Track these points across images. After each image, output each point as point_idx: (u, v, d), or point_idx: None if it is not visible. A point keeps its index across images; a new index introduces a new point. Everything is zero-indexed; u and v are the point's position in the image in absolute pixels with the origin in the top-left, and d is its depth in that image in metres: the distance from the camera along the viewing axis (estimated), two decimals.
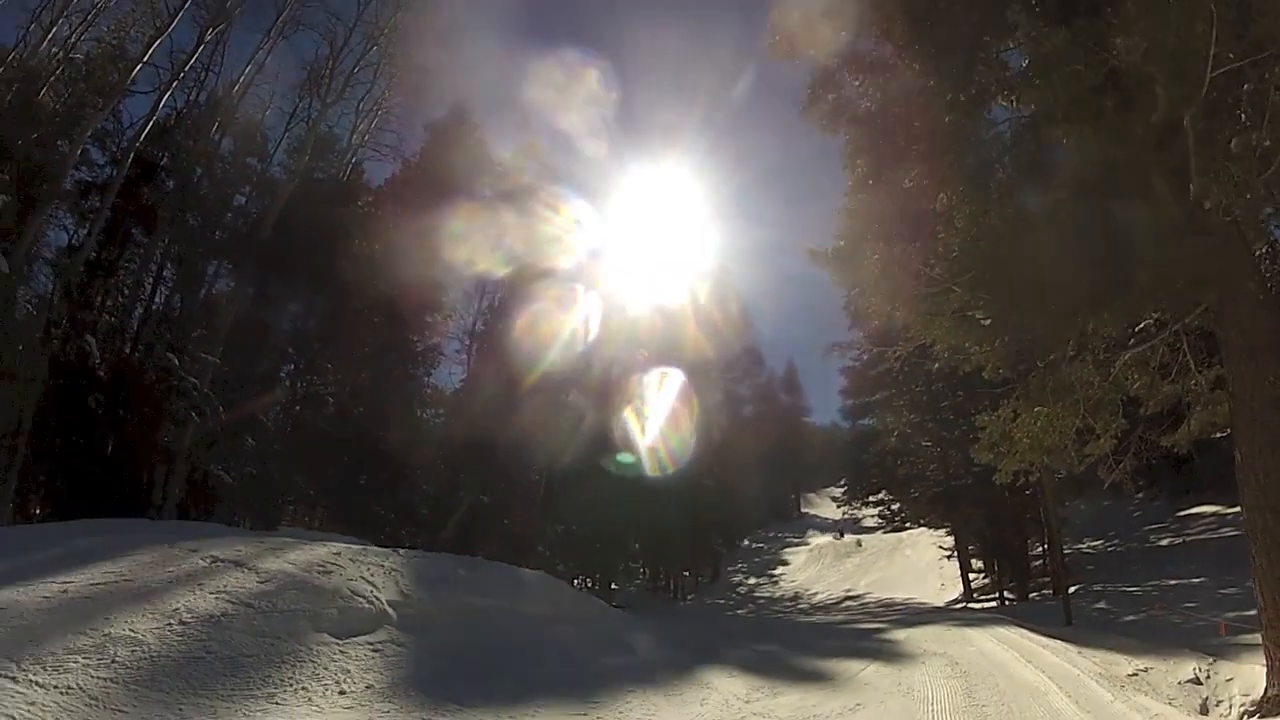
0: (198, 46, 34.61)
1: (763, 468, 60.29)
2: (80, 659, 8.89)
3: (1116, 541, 41.94)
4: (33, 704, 7.83)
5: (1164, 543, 38.71)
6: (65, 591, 10.91)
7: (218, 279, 37.44)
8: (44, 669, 8.55)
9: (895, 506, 52.63)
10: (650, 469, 39.54)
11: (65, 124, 32.56)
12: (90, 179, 32.71)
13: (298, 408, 35.57)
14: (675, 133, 43.47)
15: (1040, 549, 38.06)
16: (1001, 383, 16.15)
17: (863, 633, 24.63)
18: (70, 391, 28.73)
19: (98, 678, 8.67)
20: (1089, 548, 42.07)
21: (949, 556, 43.50)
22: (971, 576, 41.31)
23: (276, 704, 9.17)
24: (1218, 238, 11.93)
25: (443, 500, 36.12)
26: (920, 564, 48.58)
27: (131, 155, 32.20)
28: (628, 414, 40.68)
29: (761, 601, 48.19)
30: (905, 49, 13.84)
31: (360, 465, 34.76)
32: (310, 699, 9.48)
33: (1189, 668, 14.21)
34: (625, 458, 39.74)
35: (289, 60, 39.61)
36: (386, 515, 34.70)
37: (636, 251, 48.08)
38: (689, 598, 49.87)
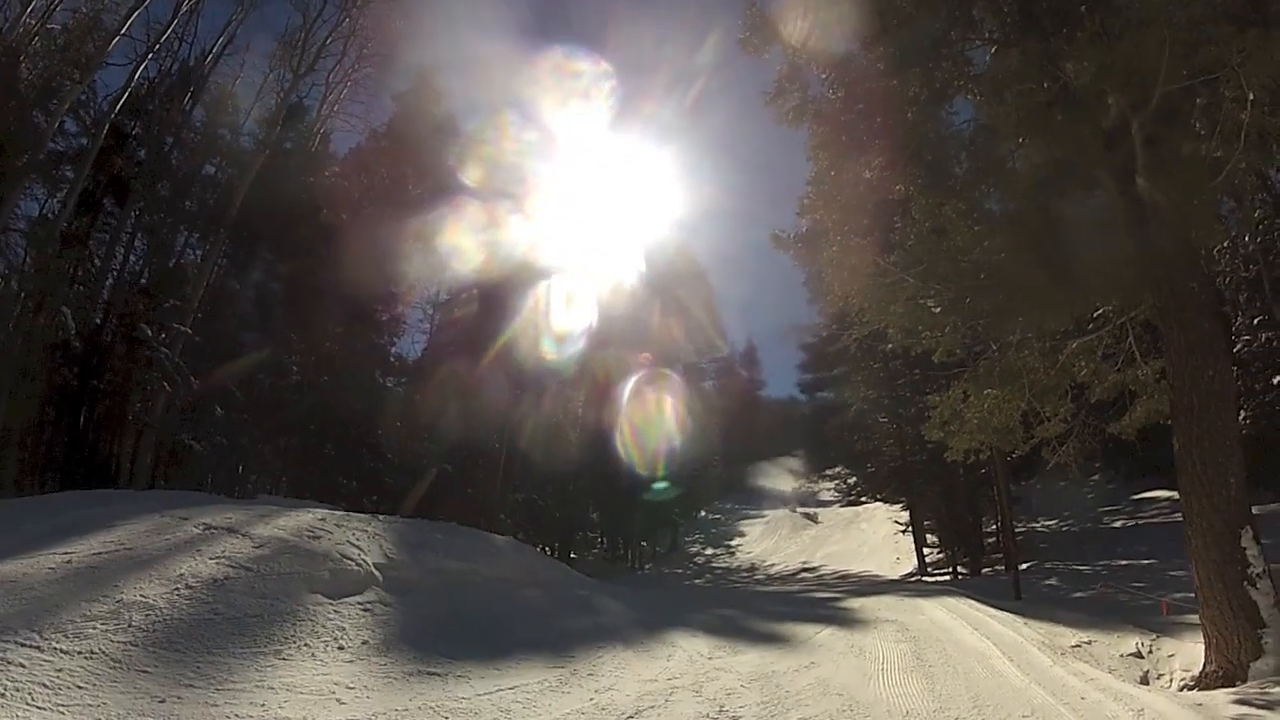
0: (174, 18, 35.04)
1: (721, 440, 61.04)
2: (99, 625, 9.57)
3: (1071, 522, 43.24)
4: (60, 670, 8.46)
5: (1117, 524, 40.00)
6: (69, 562, 11.64)
7: (187, 249, 37.91)
8: (65, 636, 9.17)
9: (852, 481, 53.50)
10: (612, 440, 39.88)
11: (41, 96, 32.95)
12: (63, 149, 33.47)
13: (262, 376, 35.72)
14: (639, 106, 43.83)
15: (994, 526, 38.79)
16: (953, 364, 17.15)
17: (818, 601, 25.29)
18: (44, 364, 29.74)
19: (118, 642, 9.37)
20: (1044, 527, 43.41)
21: (904, 531, 44.14)
22: (926, 551, 42.11)
23: (283, 660, 9.98)
24: (1163, 236, 12.83)
25: (407, 468, 36.57)
26: (876, 538, 49.26)
27: (106, 126, 32.83)
28: (589, 385, 41.53)
29: (719, 572, 48.94)
30: (870, 46, 14.69)
31: (325, 434, 35.36)
32: (314, 655, 10.31)
33: (1132, 642, 15.19)
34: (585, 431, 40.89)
35: (260, 30, 40.25)
36: (350, 484, 35.35)
37: (600, 226, 48.61)
38: (647, 567, 50.50)
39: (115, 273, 37.14)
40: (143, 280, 36.49)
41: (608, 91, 41.26)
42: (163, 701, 8.30)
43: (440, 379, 36.73)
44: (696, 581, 41.51)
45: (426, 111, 40.86)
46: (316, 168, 38.58)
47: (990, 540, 39.77)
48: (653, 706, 9.84)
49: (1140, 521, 36.00)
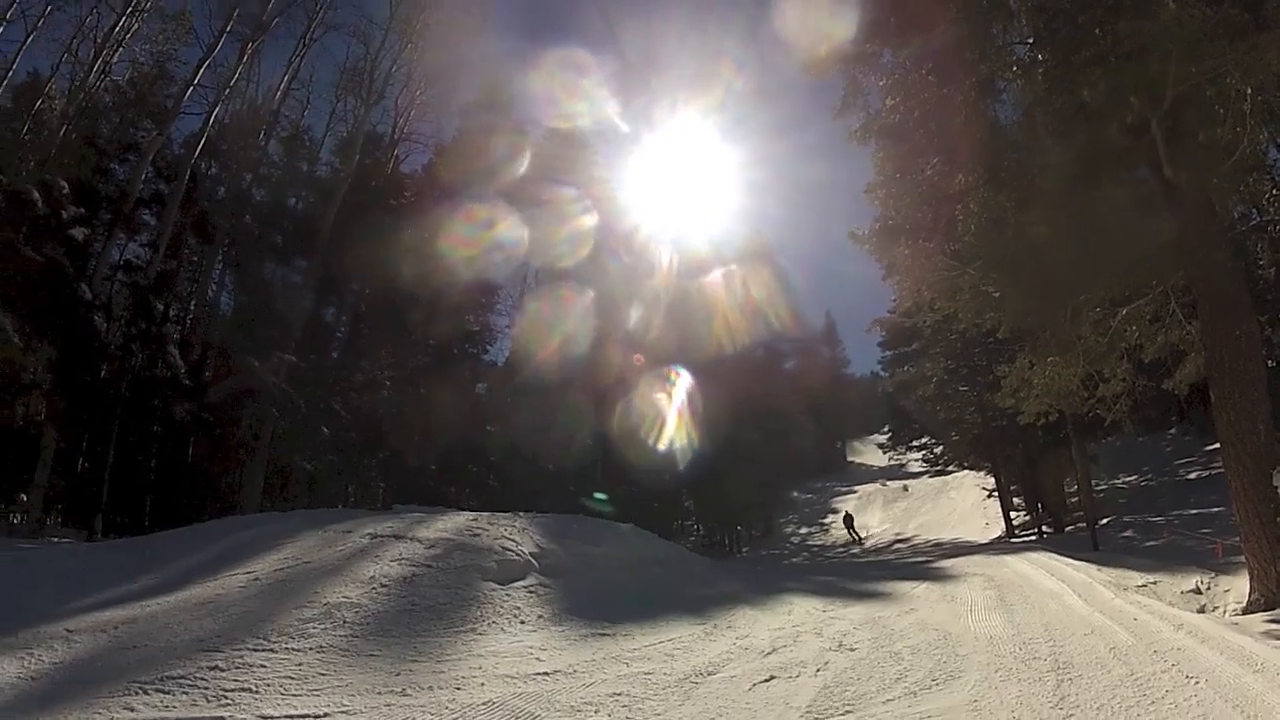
0: (240, 61, 37.10)
1: (808, 420, 62.08)
2: (316, 625, 11.71)
3: (1150, 476, 44.15)
4: (299, 664, 10.37)
5: (1192, 475, 41.01)
6: (256, 579, 13.95)
7: (280, 280, 40.16)
8: (290, 638, 11.19)
9: (938, 450, 55.18)
10: (697, 429, 41.41)
11: (121, 149, 35.34)
12: (145, 195, 35.17)
13: (358, 393, 37.81)
14: (705, 99, 45.44)
15: (1075, 485, 39.50)
16: (1018, 337, 19.57)
17: (913, 564, 27.71)
18: (153, 403, 31.78)
19: (340, 635, 11.52)
20: (1123, 483, 44.25)
21: (990, 496, 45.84)
22: (1013, 514, 43.49)
23: (479, 635, 12.33)
24: (1191, 214, 14.94)
25: (505, 469, 38.63)
26: (965, 505, 50.80)
27: (186, 171, 35.05)
28: (672, 376, 43.10)
29: (814, 549, 49.88)
30: (920, 59, 16.98)
31: (424, 443, 36.98)
32: (502, 629, 12.68)
33: (1193, 580, 17.19)
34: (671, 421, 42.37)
35: (323, 62, 42.37)
36: (451, 489, 37.23)
37: (673, 216, 49.82)
38: (744, 550, 51.33)
39: (209, 308, 39.57)
40: (240, 313, 38.71)
41: (671, 87, 42.78)
42: (398, 675, 10.43)
43: (529, 381, 38.65)
44: (794, 560, 42.27)
45: (493, 122, 42.83)
46: (395, 190, 40.58)
47: (1072, 499, 40.72)
48: (786, 645, 12.19)
49: (1213, 471, 37.02)
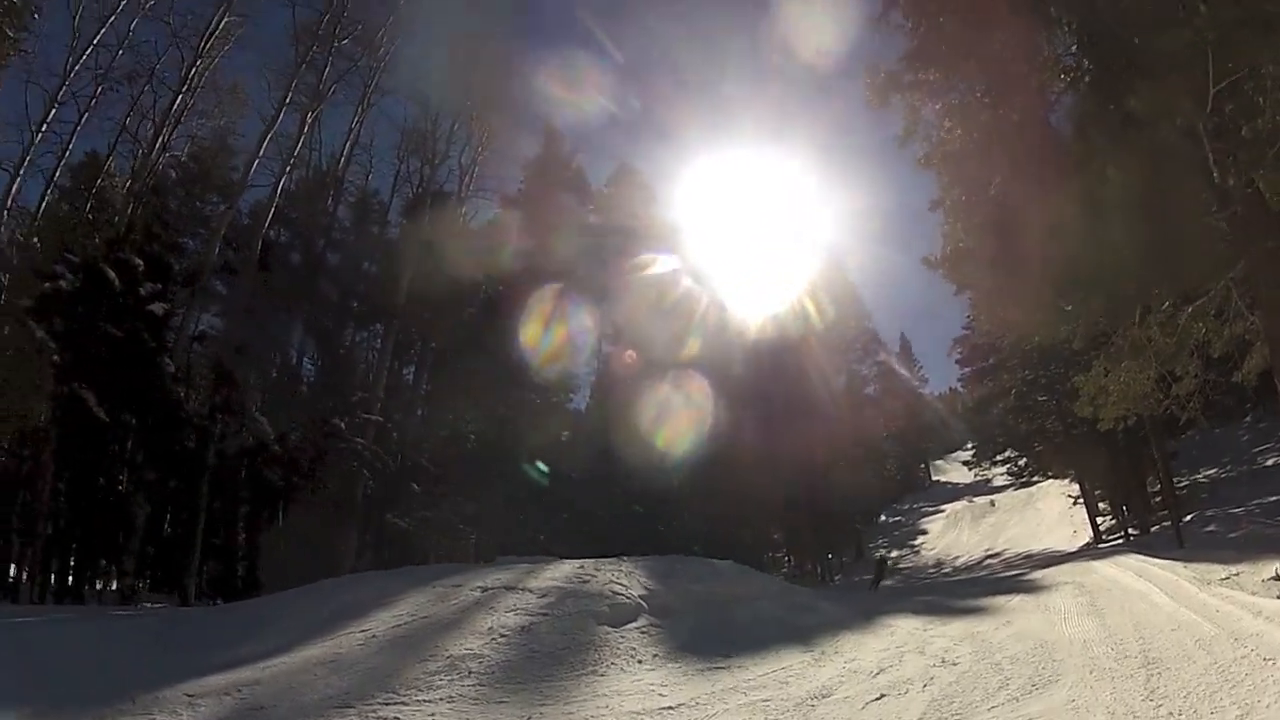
0: (301, 131, 38.58)
1: (891, 442, 62.40)
2: (443, 677, 12.48)
3: (1229, 468, 44.36)
4: (433, 715, 11.09)
5: (1269, 463, 41.46)
6: (374, 636, 14.80)
7: (360, 343, 41.58)
8: (419, 690, 11.96)
9: (1022, 462, 55.13)
10: (784, 462, 41.18)
11: (191, 223, 36.72)
12: (218, 266, 36.79)
13: (442, 450, 38.77)
14: (767, 127, 46.20)
15: (1158, 484, 40.20)
16: (1091, 346, 20.49)
17: (1005, 578, 28.33)
18: (241, 469, 33.06)
19: (467, 685, 12.26)
20: (1204, 477, 44.48)
21: (1076, 503, 46.26)
22: (1099, 519, 43.89)
23: (600, 676, 13.10)
24: (1244, 207, 15.74)
25: (596, 515, 39.08)
26: (1051, 515, 51.12)
27: (258, 241, 36.87)
28: (750, 407, 43.60)
29: (906, 571, 49.99)
30: (974, 80, 17.97)
31: (514, 493, 37.96)
32: (621, 669, 13.45)
33: (1273, 568, 17.78)
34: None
35: (381, 125, 43.81)
36: (540, 537, 37.61)
37: (744, 247, 50.25)
38: (836, 578, 51.28)
39: (290, 374, 40.93)
40: (318, 376, 40.35)
41: (730, 123, 43.59)
42: (544, 709, 11.36)
43: (610, 423, 39.39)
44: (886, 584, 42.92)
45: (558, 172, 44.15)
46: (466, 247, 40.70)
47: (1156, 499, 41.20)
48: (891, 665, 12.99)
49: None
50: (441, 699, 11.83)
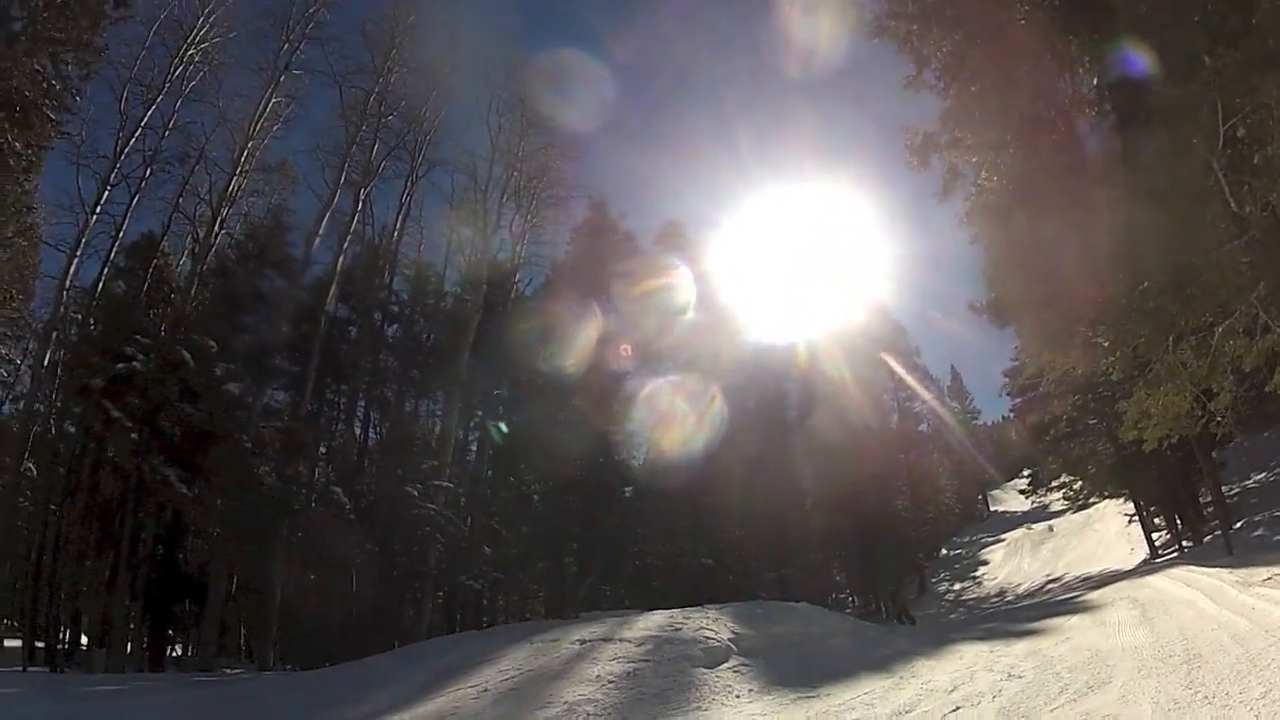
0: (355, 208, 41.16)
1: (949, 476, 63.32)
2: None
3: (1278, 471, 45.40)
4: None
5: None
6: (487, 690, 16.57)
7: (428, 411, 44.53)
8: None
9: (1077, 486, 56.38)
10: (843, 506, 42.34)
11: (254, 301, 38.55)
12: (281, 343, 38.89)
13: (512, 510, 40.82)
14: (808, 165, 47.56)
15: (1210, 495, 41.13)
16: (1132, 373, 22.39)
17: (1063, 600, 30.05)
18: (318, 539, 34.52)
19: (589, 714, 14.12)
20: (1254, 482, 45.51)
21: (1131, 520, 47.30)
22: (1154, 535, 45.00)
23: (704, 711, 14.76)
24: (1260, 233, 17.42)
25: (665, 568, 40.72)
26: (1109, 535, 51.82)
27: (321, 317, 39.14)
28: (807, 454, 44.80)
29: (970, 603, 51.15)
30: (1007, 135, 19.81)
31: (583, 550, 39.50)
32: (723, 704, 15.10)
33: None
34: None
35: (431, 197, 45.80)
36: (605, 590, 39.83)
37: (794, 293, 51.51)
38: (897, 620, 50.91)
39: (359, 444, 43.56)
40: (385, 446, 42.19)
41: (773, 173, 45.10)
42: None
43: (672, 479, 40.00)
44: (951, 617, 43.56)
45: (606, 233, 46.20)
46: (525, 313, 43.18)
47: (1208, 509, 42.26)
48: (964, 682, 14.55)
49: None
50: None
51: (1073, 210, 18.86)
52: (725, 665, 17.50)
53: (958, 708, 12.86)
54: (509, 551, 39.14)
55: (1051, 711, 11.53)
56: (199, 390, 34.10)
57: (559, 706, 14.99)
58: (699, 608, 23.01)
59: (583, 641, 19.37)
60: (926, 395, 67.11)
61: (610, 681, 16.25)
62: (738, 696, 15.74)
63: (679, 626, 19.80)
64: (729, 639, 18.87)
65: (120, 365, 33.12)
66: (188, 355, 33.84)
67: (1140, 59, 17.06)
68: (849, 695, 15.19)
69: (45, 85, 26.10)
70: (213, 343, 35.01)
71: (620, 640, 18.91)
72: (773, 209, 49.65)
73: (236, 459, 34.05)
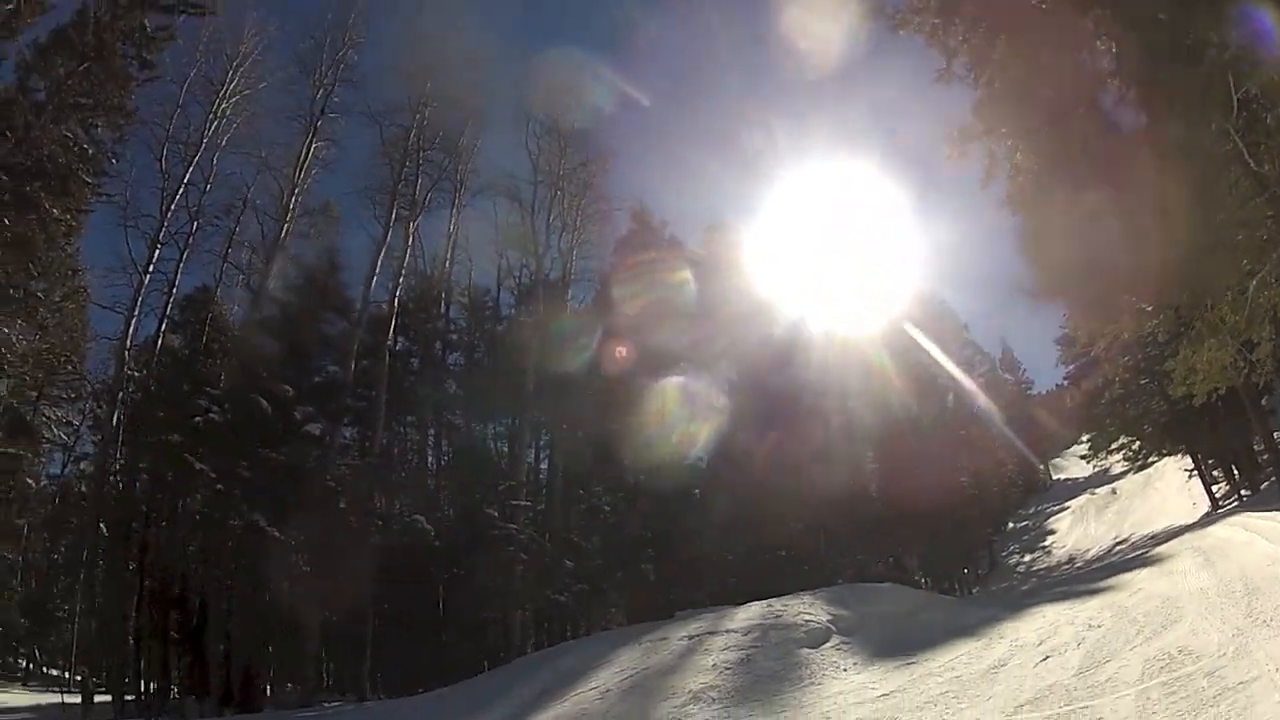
0: (406, 244, 43.17)
1: (1008, 450, 63.97)
2: (692, 706, 16.11)
3: None
4: None
5: None
6: (608, 690, 18.41)
7: (495, 434, 46.24)
8: None
9: (1135, 446, 56.98)
10: (909, 489, 43.22)
11: (317, 343, 40.19)
12: (349, 380, 40.48)
13: (588, 522, 42.69)
14: (843, 159, 48.16)
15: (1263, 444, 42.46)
16: (1177, 333, 24.13)
17: (1131, 558, 31.70)
18: (405, 569, 36.15)
19: (715, 710, 15.86)
20: None
21: (1191, 476, 48.64)
22: (1214, 487, 46.49)
23: (817, 684, 16.57)
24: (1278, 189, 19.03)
25: (735, 568, 41.46)
26: (1170, 492, 52.96)
27: (384, 353, 41.01)
28: (871, 442, 45.98)
29: (1040, 573, 52.16)
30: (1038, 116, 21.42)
31: (659, 554, 40.79)
32: (833, 677, 16.91)
33: None
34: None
35: (477, 223, 47.33)
36: (676, 591, 39.72)
37: (836, 279, 51.99)
38: (975, 590, 52.96)
39: (435, 473, 45.65)
40: (458, 471, 44.30)
41: (817, 163, 45.92)
42: (785, 713, 14.97)
43: (737, 475, 41.93)
44: (1024, 588, 44.03)
45: (649, 241, 47.86)
46: (576, 327, 44.79)
47: (1263, 457, 43.36)
48: (1049, 637, 16.22)
49: None
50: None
51: (1106, 185, 20.25)
52: (828, 644, 19.21)
53: (1047, 657, 14.62)
54: (590, 564, 40.28)
55: (1131, 650, 13.24)
56: (278, 436, 35.74)
57: (683, 696, 16.75)
58: (793, 595, 24.42)
59: (690, 637, 21.03)
60: (978, 372, 67.90)
61: (727, 668, 17.99)
62: (844, 670, 17.51)
63: (779, 613, 21.45)
64: (827, 620, 20.57)
65: (197, 419, 34.90)
66: (265, 403, 35.54)
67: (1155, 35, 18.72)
68: (946, 658, 16.96)
69: (78, 150, 27.65)
70: (288, 387, 36.56)
71: (726, 631, 20.55)
72: (812, 203, 50.16)
73: (321, 498, 35.67)
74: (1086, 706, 10.92)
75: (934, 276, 58.07)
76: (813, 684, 16.79)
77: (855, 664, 17.88)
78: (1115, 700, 10.81)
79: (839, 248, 49.85)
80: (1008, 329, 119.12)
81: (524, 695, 20.85)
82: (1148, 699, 10.43)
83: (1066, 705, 11.26)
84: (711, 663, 18.54)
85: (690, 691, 16.92)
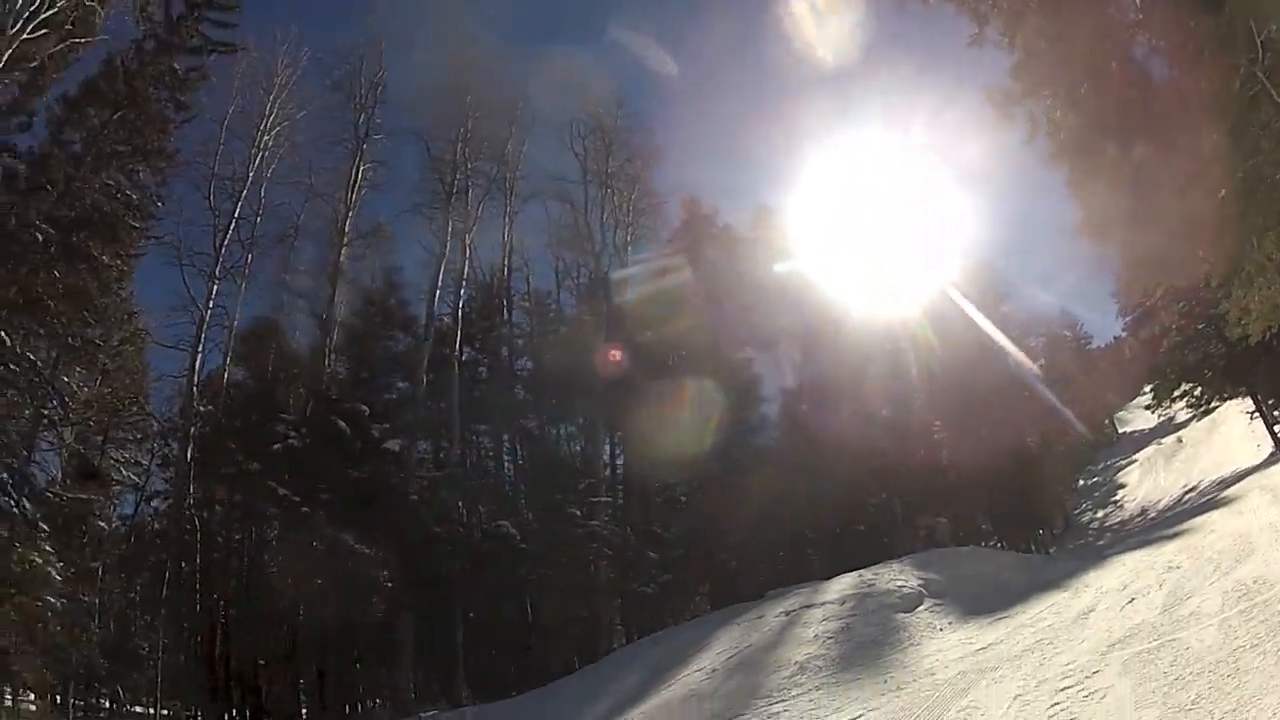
0: (464, 256, 44.82)
1: (1073, 407, 63.97)
2: (799, 675, 17.47)
3: None
4: (813, 701, 16.09)
5: None
6: (715, 670, 19.81)
7: (570, 434, 47.93)
8: (788, 690, 16.99)
9: (1197, 393, 57.35)
10: (978, 455, 42.74)
11: (385, 362, 42.27)
12: (420, 395, 41.88)
13: (664, 514, 43.70)
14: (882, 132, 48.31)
15: None
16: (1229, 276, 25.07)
17: (1200, 504, 32.58)
18: (489, 574, 37.31)
19: (823, 677, 17.10)
20: None
21: (1253, 417, 48.96)
22: (1276, 426, 46.57)
23: (916, 644, 17.76)
24: None
25: (811, 537, 42.85)
26: (1234, 436, 52.92)
27: (454, 366, 42.41)
28: (936, 409, 46.59)
29: (1114, 527, 52.50)
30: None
31: (736, 543, 41.21)
32: (930, 636, 18.10)
33: None
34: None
35: (528, 227, 48.32)
36: (750, 570, 40.70)
37: (888, 252, 52.09)
38: (1051, 550, 51.69)
39: (512, 474, 47.70)
40: (534, 473, 45.74)
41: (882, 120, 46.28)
42: (885, 681, 15.93)
43: (807, 452, 42.64)
44: (1099, 543, 44.68)
45: (702, 228, 48.64)
46: (639, 320, 45.64)
47: None
48: (1132, 581, 17.28)
49: None
50: (809, 690, 16.54)
51: (1146, 136, 21.42)
52: (921, 607, 20.32)
53: (1132, 600, 15.69)
54: (672, 554, 41.08)
55: (1210, 585, 14.26)
56: (358, 454, 37.19)
57: (790, 668, 17.90)
58: (881, 564, 25.49)
59: (787, 612, 22.13)
60: (1037, 333, 67.84)
61: (828, 638, 19.12)
62: (941, 629, 18.69)
63: (871, 582, 22.59)
64: (918, 584, 21.70)
65: (276, 445, 36.38)
66: (343, 424, 36.98)
67: None
68: (1036, 610, 18.09)
69: (121, 197, 28.45)
70: (364, 407, 38.03)
71: (822, 604, 21.67)
72: (858, 177, 50.29)
73: (408, 511, 37.17)
74: (1173, 639, 11.88)
75: (987, 242, 57.90)
76: (912, 645, 17.91)
77: (950, 623, 19.00)
78: (1199, 631, 11.78)
79: (888, 220, 50.06)
80: (1064, 288, 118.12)
81: (628, 684, 22.14)
82: (1229, 627, 11.40)
83: (1155, 640, 12.22)
84: (813, 634, 19.59)
85: (796, 663, 17.98)
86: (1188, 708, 9.19)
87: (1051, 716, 10.79)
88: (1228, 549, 16.80)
